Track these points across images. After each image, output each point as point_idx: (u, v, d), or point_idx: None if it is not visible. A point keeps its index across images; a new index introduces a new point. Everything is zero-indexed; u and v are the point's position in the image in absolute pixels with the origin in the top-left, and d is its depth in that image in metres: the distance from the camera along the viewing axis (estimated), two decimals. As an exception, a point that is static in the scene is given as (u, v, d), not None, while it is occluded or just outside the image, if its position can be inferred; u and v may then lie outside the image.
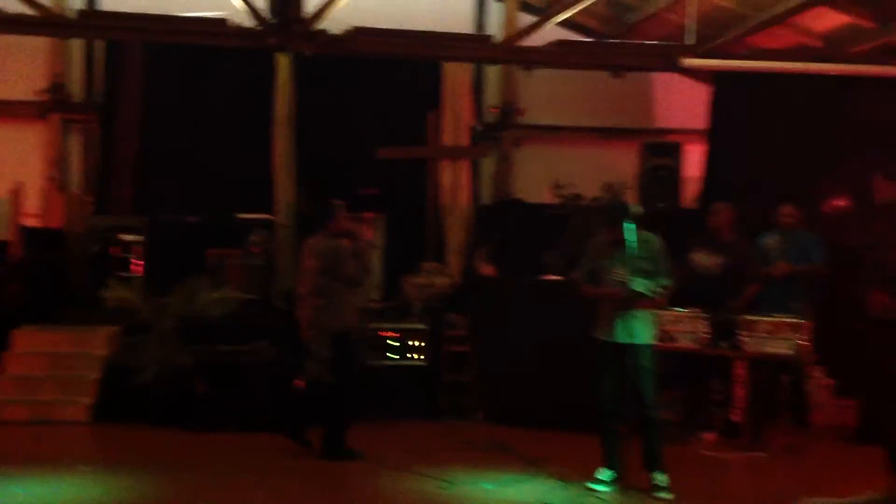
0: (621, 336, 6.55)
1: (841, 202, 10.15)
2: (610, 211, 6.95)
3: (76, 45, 12.13)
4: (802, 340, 7.63)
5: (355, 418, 7.66)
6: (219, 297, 9.35)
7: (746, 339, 7.76)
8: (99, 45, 11.89)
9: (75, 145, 12.12)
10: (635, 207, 6.83)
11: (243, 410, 8.36)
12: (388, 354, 9.15)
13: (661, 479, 6.51)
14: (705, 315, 7.92)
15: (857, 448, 7.97)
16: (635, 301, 6.47)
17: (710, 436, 8.24)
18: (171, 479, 6.87)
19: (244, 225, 10.61)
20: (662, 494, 6.45)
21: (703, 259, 8.34)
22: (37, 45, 11.85)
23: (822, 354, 8.45)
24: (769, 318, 7.77)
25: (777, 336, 7.75)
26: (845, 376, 9.30)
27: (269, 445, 7.73)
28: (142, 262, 10.24)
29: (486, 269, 9.94)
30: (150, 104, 11.25)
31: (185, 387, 8.44)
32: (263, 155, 11.58)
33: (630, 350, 6.51)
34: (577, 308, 8.42)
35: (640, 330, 6.47)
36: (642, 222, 6.55)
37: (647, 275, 6.48)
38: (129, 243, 10.21)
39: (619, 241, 6.57)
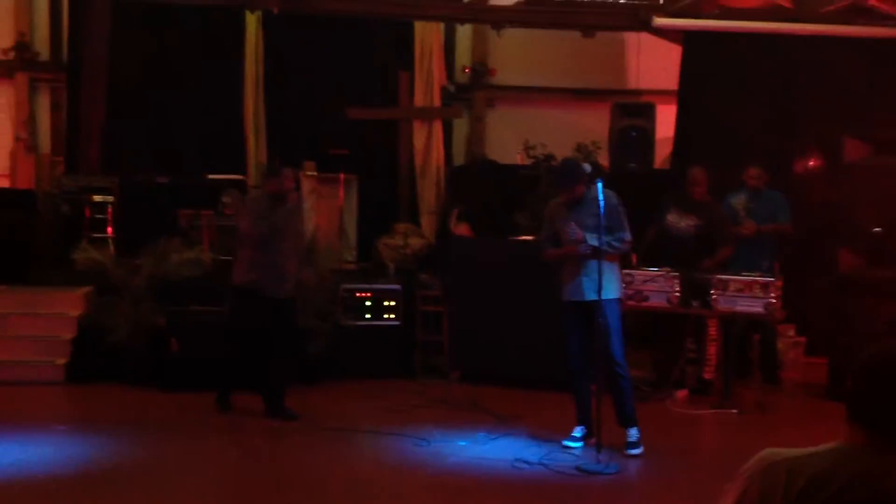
0: (586, 294, 6.55)
1: (810, 162, 10.25)
2: (562, 171, 6.98)
3: (41, 3, 11.95)
4: (773, 299, 7.72)
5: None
6: (191, 257, 9.32)
7: (718, 298, 7.83)
8: (64, 3, 11.71)
9: (43, 105, 11.99)
10: (586, 166, 6.84)
11: (216, 369, 8.34)
12: (362, 315, 9.15)
13: (632, 434, 6.59)
14: (677, 274, 7.98)
15: (827, 404, 8.11)
16: (595, 257, 6.42)
17: (682, 393, 8.34)
18: (145, 437, 6.89)
19: (215, 185, 10.53)
20: (633, 450, 6.54)
21: (677, 220, 8.40)
22: (1, 4, 11.66)
23: (792, 313, 8.55)
24: (740, 277, 7.84)
25: (748, 295, 7.82)
26: (815, 334, 9.45)
27: (242, 404, 7.74)
28: (112, 223, 10.15)
29: (461, 229, 9.95)
30: (117, 63, 11.09)
31: (159, 346, 8.42)
32: (234, 115, 11.53)
33: (595, 307, 6.46)
34: (549, 268, 8.53)
35: (604, 287, 6.38)
36: (596, 180, 6.50)
37: (606, 231, 6.43)
38: (100, 204, 10.11)
39: (574, 201, 6.60)
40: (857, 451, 2.22)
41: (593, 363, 6.57)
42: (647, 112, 11.09)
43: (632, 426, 6.61)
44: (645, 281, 8.03)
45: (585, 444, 6.64)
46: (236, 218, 7.54)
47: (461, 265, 9.22)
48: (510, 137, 11.80)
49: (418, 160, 11.57)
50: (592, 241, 6.45)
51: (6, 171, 11.48)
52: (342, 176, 10.45)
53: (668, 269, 8.03)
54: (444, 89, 11.92)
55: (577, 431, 6.74)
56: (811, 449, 2.27)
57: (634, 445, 6.55)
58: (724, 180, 8.94)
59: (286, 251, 7.44)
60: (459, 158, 12.46)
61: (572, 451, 6.58)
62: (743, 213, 8.74)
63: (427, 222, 11.45)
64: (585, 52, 12.03)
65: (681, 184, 8.71)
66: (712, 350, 8.32)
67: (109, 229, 10.06)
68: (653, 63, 11.97)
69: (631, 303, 7.85)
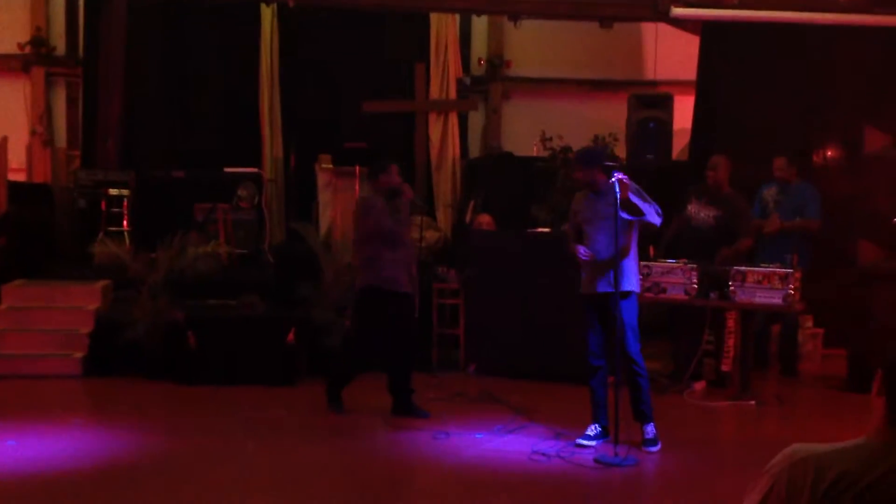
0: (598, 286, 6.50)
1: (830, 152, 10.17)
2: (583, 152, 6.94)
3: (58, -2, 11.99)
4: (791, 290, 7.66)
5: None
6: (208, 251, 9.34)
7: (736, 290, 7.78)
8: (81, -3, 11.74)
9: (59, 99, 12.02)
10: (610, 157, 6.80)
11: (234, 364, 8.36)
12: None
13: (648, 430, 6.53)
14: (695, 266, 7.93)
15: (845, 396, 8.05)
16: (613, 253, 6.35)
17: (699, 385, 8.30)
18: (163, 432, 6.89)
19: (232, 179, 10.55)
20: (651, 447, 6.46)
21: (697, 211, 8.34)
22: (18, -1, 11.71)
23: (811, 304, 8.49)
24: (758, 269, 7.79)
25: (766, 286, 7.77)
26: (833, 325, 9.38)
27: (260, 398, 7.75)
28: (129, 217, 10.18)
29: (483, 220, 9.86)
30: (134, 57, 11.14)
31: (176, 341, 8.43)
32: (250, 108, 11.54)
33: (609, 300, 6.41)
34: (566, 260, 8.49)
35: (620, 280, 6.32)
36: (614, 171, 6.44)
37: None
38: (117, 198, 10.13)
39: (591, 188, 6.54)
40: (887, 447, 2.18)
41: (611, 357, 6.53)
42: (665, 103, 11.00)
43: (647, 423, 6.54)
44: (663, 273, 7.98)
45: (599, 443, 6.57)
46: (359, 221, 7.40)
47: (477, 258, 9.19)
48: (526, 129, 11.75)
49: (434, 153, 11.55)
50: (601, 244, 6.41)
51: (23, 165, 11.51)
52: (358, 169, 10.42)
53: (686, 261, 7.97)
54: (459, 81, 11.90)
55: (591, 430, 6.64)
56: (839, 444, 2.23)
57: (652, 442, 6.47)
58: (742, 172, 8.87)
59: (410, 244, 7.56)
60: (475, 151, 12.43)
61: (586, 447, 6.50)
62: (772, 206, 8.67)
63: (443, 215, 11.43)
64: (602, 43, 11.98)
65: (699, 175, 8.65)
66: (730, 342, 8.26)
67: (125, 223, 10.09)
68: (670, 54, 11.90)
69: (649, 295, 7.81)
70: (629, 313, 6.46)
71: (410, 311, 7.38)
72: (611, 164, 6.68)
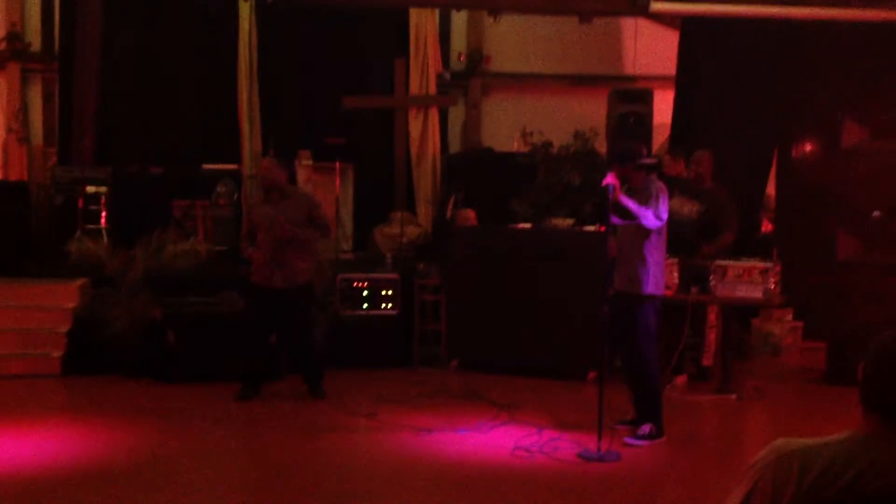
0: (614, 284, 6.65)
1: (809, 146, 10.20)
2: (621, 149, 6.92)
3: (32, -7, 11.87)
4: (772, 284, 7.68)
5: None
6: (186, 248, 9.28)
7: (717, 284, 7.79)
8: (55, -7, 11.63)
9: (35, 96, 11.90)
10: (651, 159, 6.84)
11: (213, 361, 8.31)
12: (360, 304, 9.10)
13: (643, 429, 6.58)
14: (676, 260, 7.93)
15: (825, 389, 8.08)
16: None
17: (681, 379, 8.31)
18: (142, 430, 6.82)
19: (210, 176, 10.48)
20: (632, 440, 6.48)
21: (680, 206, 8.34)
22: (-8, -6, 11.58)
23: (789, 297, 8.51)
24: (740, 263, 7.80)
25: (747, 280, 7.78)
26: (813, 318, 9.42)
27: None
28: (106, 214, 10.09)
29: (467, 215, 9.83)
30: (110, 53, 11.04)
31: (155, 338, 8.36)
32: (228, 105, 11.47)
33: (623, 299, 6.58)
34: (547, 255, 8.50)
35: (633, 280, 6.48)
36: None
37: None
38: (94, 195, 10.04)
39: (623, 181, 6.51)
40: (871, 439, 2.17)
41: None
42: (645, 98, 10.98)
43: (646, 423, 6.58)
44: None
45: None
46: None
47: (459, 253, 9.18)
48: (506, 125, 11.75)
49: (414, 148, 11.51)
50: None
51: (-2, 162, 11.41)
52: (338, 165, 10.38)
53: (668, 256, 7.97)
54: (439, 77, 11.86)
55: (641, 430, 6.65)
56: (824, 438, 2.23)
57: (639, 437, 6.50)
58: (720, 167, 8.88)
59: (294, 238, 7.66)
60: (455, 146, 12.40)
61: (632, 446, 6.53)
62: None
63: (424, 211, 11.40)
64: (582, 38, 11.95)
65: (688, 170, 8.66)
66: (711, 336, 8.28)
67: (103, 220, 9.99)
68: (650, 49, 11.90)
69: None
70: (642, 314, 6.52)
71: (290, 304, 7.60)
72: (649, 161, 6.69)
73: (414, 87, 11.55)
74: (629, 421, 6.74)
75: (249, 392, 7.68)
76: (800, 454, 2.20)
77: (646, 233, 6.42)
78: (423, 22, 11.65)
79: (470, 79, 12.47)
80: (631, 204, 6.31)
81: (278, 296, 7.53)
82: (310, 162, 10.58)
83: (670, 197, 8.38)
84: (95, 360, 8.45)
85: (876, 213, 8.46)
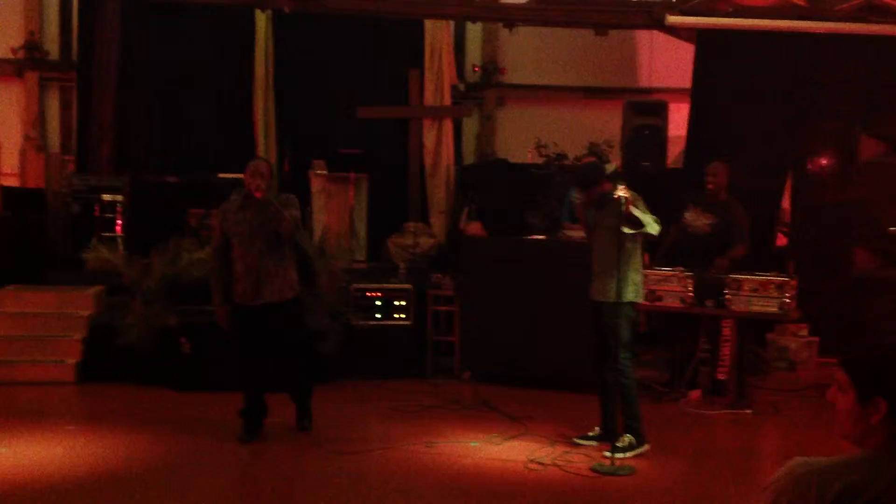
0: (593, 293, 6.65)
1: (825, 160, 10.17)
2: (582, 174, 7.02)
3: (51, 2, 11.95)
4: (787, 299, 7.65)
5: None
6: (202, 257, 9.29)
7: (732, 298, 7.77)
8: (74, 2, 11.69)
9: (53, 104, 11.98)
10: (609, 166, 6.85)
11: (227, 369, 8.30)
12: (373, 315, 9.10)
13: (623, 438, 6.49)
14: (691, 274, 7.92)
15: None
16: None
17: (695, 393, 8.29)
18: (156, 438, 6.84)
19: (225, 184, 10.48)
20: (613, 453, 6.27)
21: (694, 219, 8.32)
22: (11, 2, 11.65)
23: (806, 312, 8.48)
24: (755, 277, 7.78)
25: (762, 294, 7.76)
26: (829, 334, 9.37)
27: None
28: (123, 222, 10.13)
29: (473, 228, 9.88)
30: (127, 62, 11.09)
31: (170, 346, 8.39)
32: (244, 114, 11.51)
33: (601, 309, 6.55)
34: (561, 267, 8.48)
35: (611, 289, 6.40)
36: (616, 180, 6.52)
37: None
38: (111, 203, 10.08)
39: (596, 201, 6.60)
40: (889, 459, 2.16)
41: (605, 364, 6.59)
42: (660, 110, 11.02)
43: (627, 432, 6.53)
44: (658, 281, 7.97)
45: (598, 444, 6.61)
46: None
47: (472, 264, 9.17)
48: (521, 136, 11.75)
49: (428, 159, 11.52)
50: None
51: (16, 170, 11.47)
52: (352, 175, 10.40)
53: (682, 269, 7.96)
54: (454, 88, 11.87)
55: (593, 431, 6.70)
56: (841, 457, 2.22)
57: (617, 449, 6.32)
58: (736, 180, 8.86)
59: (269, 248, 6.90)
60: (469, 157, 12.42)
61: (583, 446, 6.60)
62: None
63: (437, 221, 11.41)
64: (597, 50, 11.99)
65: (694, 182, 8.63)
66: (726, 350, 8.25)
67: (119, 228, 10.04)
68: (665, 61, 11.91)
69: (644, 303, 7.78)
70: (621, 322, 6.47)
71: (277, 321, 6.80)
72: (609, 172, 6.75)
73: (429, 98, 11.57)
74: (596, 436, 6.71)
75: (251, 433, 6.84)
76: (818, 473, 2.18)
77: (621, 242, 6.41)
78: (438, 33, 11.67)
79: (485, 90, 12.50)
80: (640, 213, 6.38)
81: (264, 314, 6.73)
82: (324, 172, 10.60)
83: (686, 210, 8.41)
84: (110, 367, 8.47)
85: (892, 229, 8.43)
